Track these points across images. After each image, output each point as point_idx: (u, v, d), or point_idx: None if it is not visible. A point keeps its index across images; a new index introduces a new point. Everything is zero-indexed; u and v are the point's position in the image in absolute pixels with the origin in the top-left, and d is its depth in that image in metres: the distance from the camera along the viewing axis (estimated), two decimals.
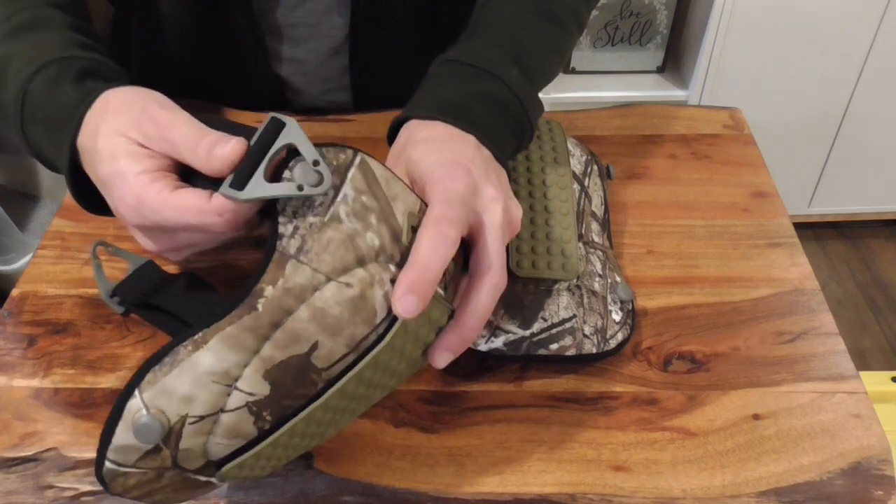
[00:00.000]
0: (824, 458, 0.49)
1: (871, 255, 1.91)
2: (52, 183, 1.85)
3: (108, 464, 0.37)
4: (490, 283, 0.43)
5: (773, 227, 0.65)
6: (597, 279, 0.55)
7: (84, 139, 0.47)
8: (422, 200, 0.44)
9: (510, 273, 0.53)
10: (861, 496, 0.48)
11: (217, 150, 0.41)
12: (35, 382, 0.54)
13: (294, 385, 0.38)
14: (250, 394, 0.37)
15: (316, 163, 0.39)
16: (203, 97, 0.77)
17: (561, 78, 0.56)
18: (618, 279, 0.57)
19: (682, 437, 0.51)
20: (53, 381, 0.54)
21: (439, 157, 0.46)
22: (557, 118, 0.74)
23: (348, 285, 0.38)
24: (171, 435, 0.37)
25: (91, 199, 0.50)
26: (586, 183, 0.61)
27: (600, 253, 0.57)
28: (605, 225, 0.61)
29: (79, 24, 0.55)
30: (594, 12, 1.61)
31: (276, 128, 0.40)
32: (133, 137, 0.44)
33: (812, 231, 1.94)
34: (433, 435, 0.51)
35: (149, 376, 0.37)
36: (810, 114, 1.69)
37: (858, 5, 1.52)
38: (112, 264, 0.59)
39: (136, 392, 0.36)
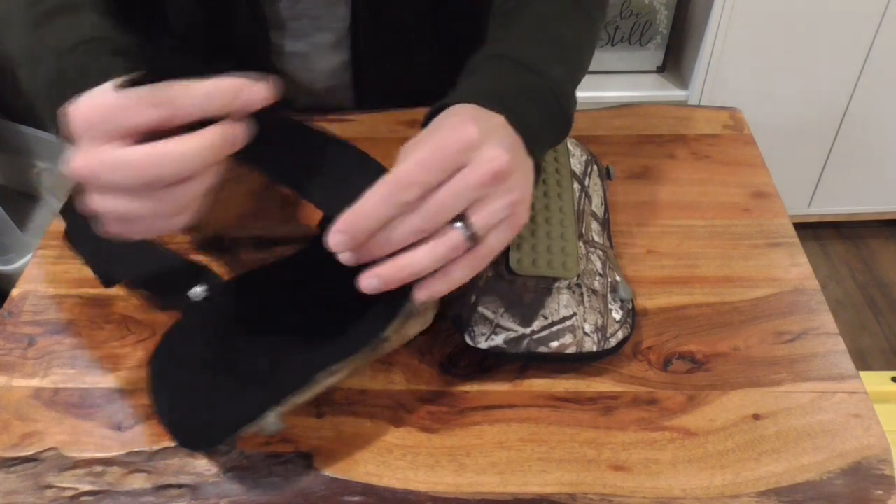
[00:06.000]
0: (824, 458, 0.49)
1: (871, 255, 1.91)
2: (52, 183, 1.85)
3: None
4: (385, 180, 0.41)
5: (773, 227, 0.65)
6: (597, 278, 0.55)
7: None
8: None
9: (510, 271, 0.53)
10: (861, 496, 0.48)
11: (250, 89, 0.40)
12: (35, 382, 0.54)
13: None
14: None
15: None
16: None
17: None
18: (618, 278, 0.57)
19: (682, 437, 0.51)
20: (53, 381, 0.54)
21: (454, 119, 0.45)
22: None
23: None
24: None
25: None
26: (586, 183, 0.61)
27: (600, 252, 0.57)
28: (605, 225, 0.61)
29: (107, 6, 0.55)
30: None
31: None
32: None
33: (812, 231, 1.93)
34: (433, 435, 0.51)
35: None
36: (810, 114, 1.69)
37: (858, 5, 1.52)
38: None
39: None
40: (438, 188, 0.42)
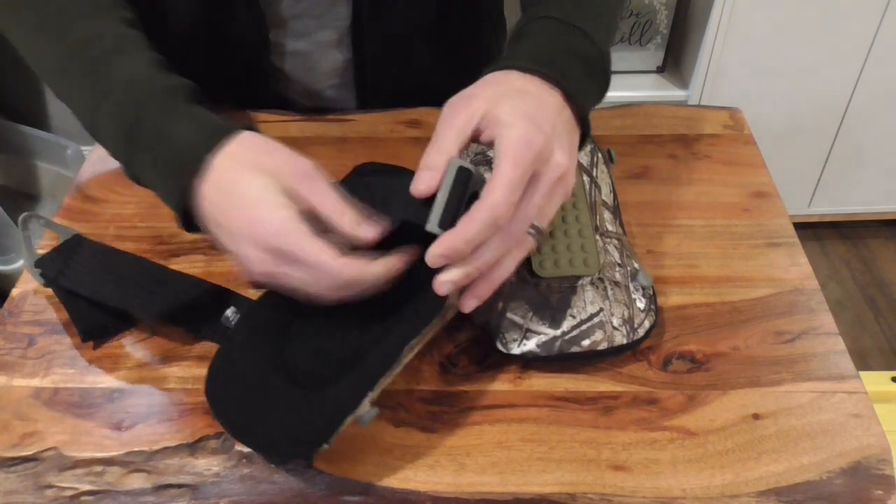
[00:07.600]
0: (824, 458, 0.49)
1: (871, 255, 1.91)
2: (52, 183, 1.85)
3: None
4: (483, 206, 0.45)
5: (773, 227, 0.65)
6: (617, 269, 0.56)
7: (213, 181, 0.48)
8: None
9: (533, 275, 0.53)
10: (861, 496, 0.48)
11: (362, 228, 0.47)
12: (35, 382, 0.54)
13: None
14: None
15: None
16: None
17: None
18: (636, 265, 0.57)
19: (682, 436, 0.51)
20: (53, 381, 0.54)
21: (523, 107, 0.48)
22: None
23: None
24: None
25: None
26: (594, 173, 0.62)
27: (616, 241, 0.58)
28: (616, 212, 0.62)
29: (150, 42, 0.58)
30: None
31: (466, 177, 0.47)
32: (283, 182, 0.47)
33: (812, 231, 1.93)
34: (433, 435, 0.51)
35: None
36: (810, 114, 1.68)
37: (858, 5, 1.52)
38: None
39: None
40: (520, 204, 0.46)
